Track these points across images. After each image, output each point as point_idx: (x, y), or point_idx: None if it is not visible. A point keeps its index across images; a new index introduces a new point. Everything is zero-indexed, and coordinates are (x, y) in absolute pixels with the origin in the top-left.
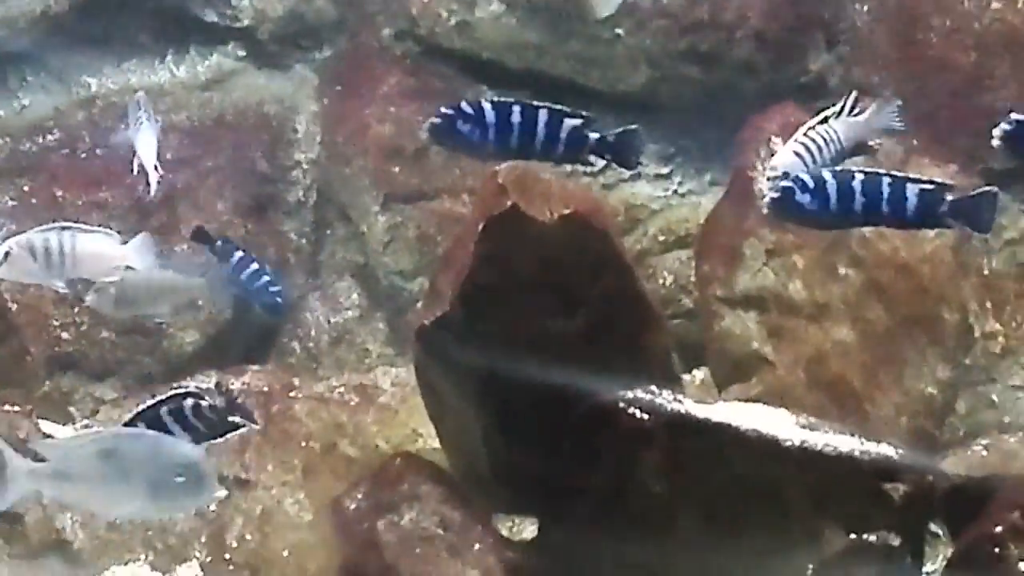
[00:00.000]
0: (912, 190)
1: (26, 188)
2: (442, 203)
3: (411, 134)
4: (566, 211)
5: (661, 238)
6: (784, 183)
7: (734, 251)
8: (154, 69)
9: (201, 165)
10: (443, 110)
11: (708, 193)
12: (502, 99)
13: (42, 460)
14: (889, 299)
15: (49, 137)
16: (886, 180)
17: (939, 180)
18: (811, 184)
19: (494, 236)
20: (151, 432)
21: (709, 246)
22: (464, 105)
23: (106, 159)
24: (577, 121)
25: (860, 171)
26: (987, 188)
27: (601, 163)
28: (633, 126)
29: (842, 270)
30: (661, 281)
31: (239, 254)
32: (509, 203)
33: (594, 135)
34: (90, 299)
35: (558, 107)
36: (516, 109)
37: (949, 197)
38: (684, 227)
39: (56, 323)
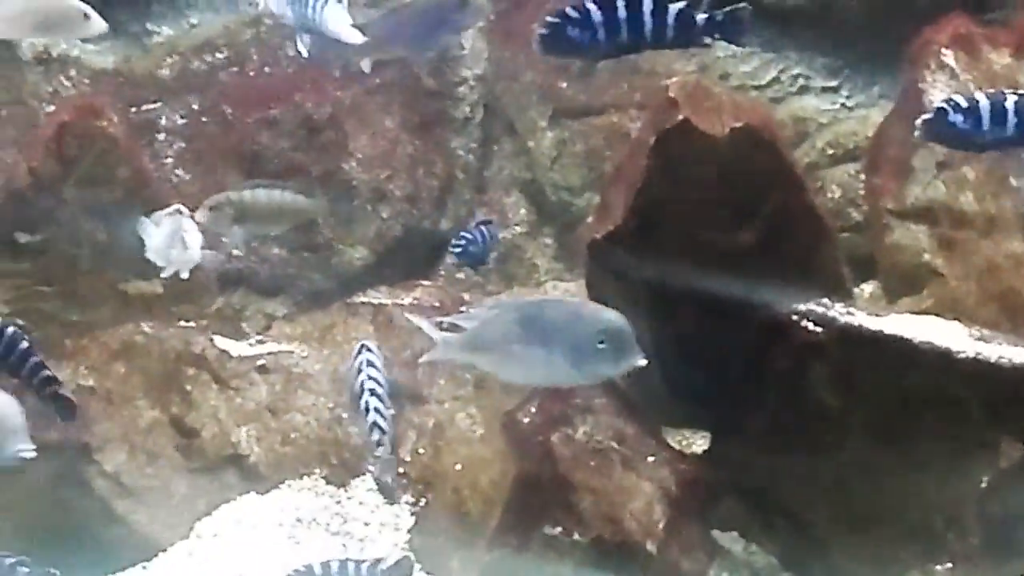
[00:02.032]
0: None
1: (196, 107)
2: (609, 118)
3: None
4: (737, 124)
5: (829, 151)
6: (938, 104)
7: (904, 164)
8: None
9: (369, 82)
10: (548, 19)
11: (877, 106)
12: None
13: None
14: None
15: (218, 55)
16: None
17: None
18: (964, 105)
19: (666, 150)
20: (573, 299)
21: (879, 159)
22: (569, 10)
23: (275, 76)
24: (682, 4)
25: (1014, 92)
26: None
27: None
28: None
29: (1014, 182)
30: (829, 195)
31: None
32: (680, 117)
33: (702, 16)
34: (199, 215)
35: None
36: (621, 4)
37: None
38: (852, 140)
39: (227, 240)
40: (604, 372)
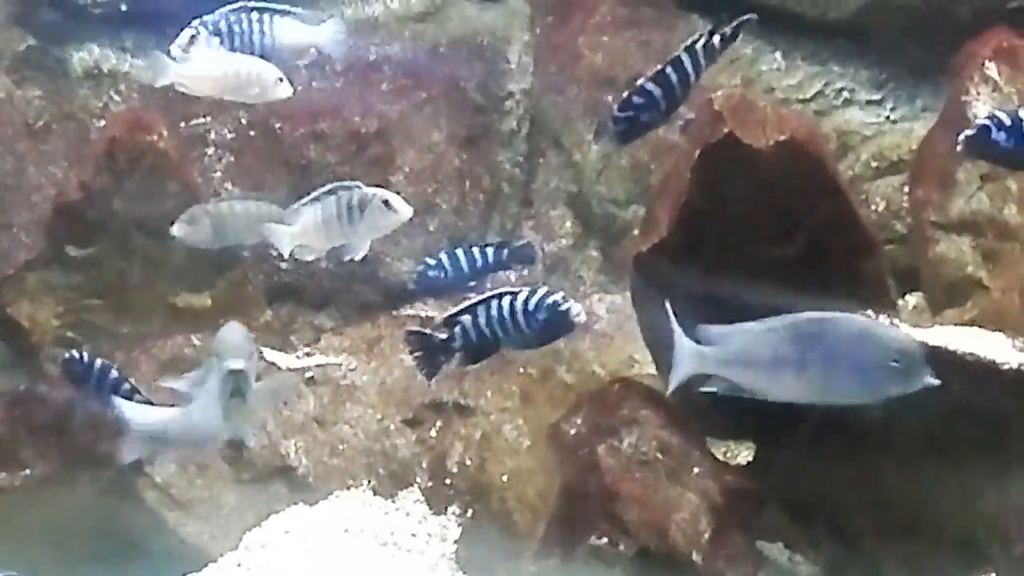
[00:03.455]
0: None
1: (244, 120)
2: (655, 131)
3: (624, 63)
4: (781, 137)
5: (873, 164)
6: (981, 121)
7: (948, 176)
8: (368, 1)
9: (415, 96)
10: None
11: (920, 119)
12: None
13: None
14: None
15: None
16: None
17: None
18: (1007, 122)
19: (711, 163)
20: (856, 316)
21: (923, 171)
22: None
23: (323, 92)
24: None
25: None
26: None
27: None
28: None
29: None
30: (873, 207)
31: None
32: (725, 130)
33: None
34: (176, 229)
35: None
36: None
37: None
38: (896, 153)
39: (275, 253)
40: (894, 391)
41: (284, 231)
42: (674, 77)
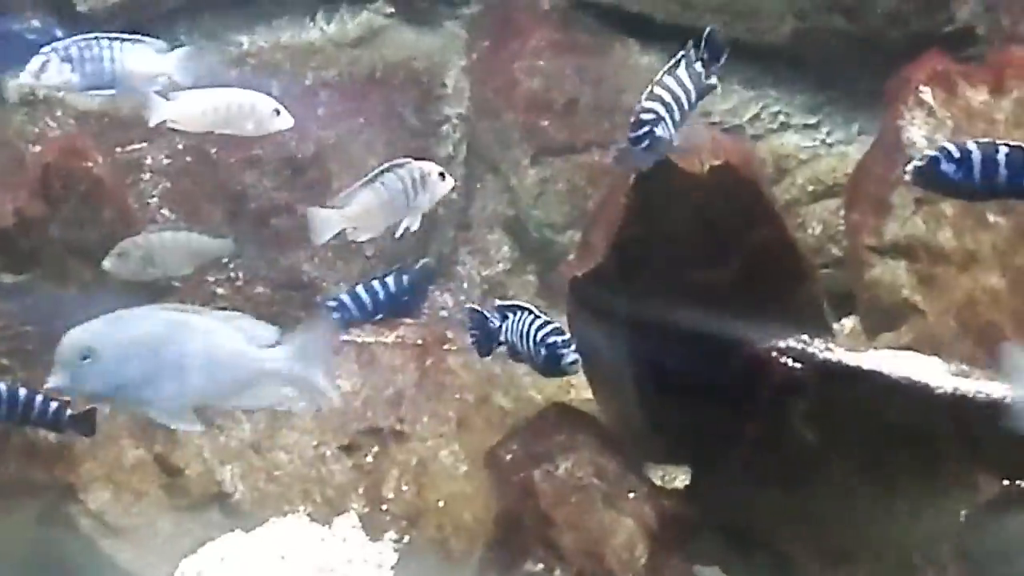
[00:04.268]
0: None
1: (180, 146)
2: (591, 156)
3: (560, 88)
4: (717, 162)
5: (809, 188)
6: (930, 152)
7: (883, 200)
8: (304, 27)
9: (352, 121)
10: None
11: (856, 143)
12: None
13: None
14: None
15: None
16: None
17: None
18: (956, 154)
19: (646, 188)
20: None
21: (858, 195)
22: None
23: None
24: None
25: (1005, 144)
26: None
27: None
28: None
29: (992, 218)
30: (809, 231)
31: None
32: None
33: None
34: (107, 263)
35: None
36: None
37: None
38: (832, 176)
39: (211, 279)
40: None
41: (330, 214)
42: (667, 95)
